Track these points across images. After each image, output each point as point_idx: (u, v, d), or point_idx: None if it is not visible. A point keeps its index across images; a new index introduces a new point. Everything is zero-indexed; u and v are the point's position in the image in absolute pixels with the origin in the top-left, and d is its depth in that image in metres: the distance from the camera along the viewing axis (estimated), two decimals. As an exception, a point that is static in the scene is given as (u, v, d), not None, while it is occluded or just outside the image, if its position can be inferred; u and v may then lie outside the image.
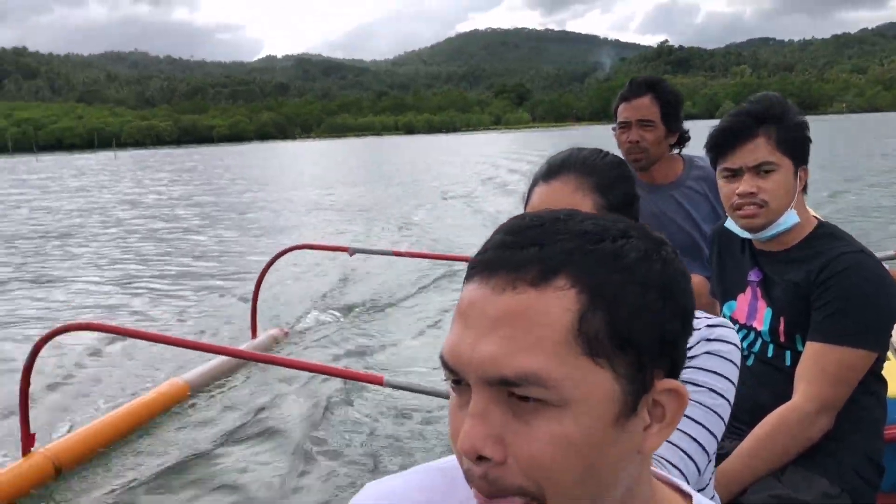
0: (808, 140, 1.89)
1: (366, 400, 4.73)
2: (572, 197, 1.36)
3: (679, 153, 2.86)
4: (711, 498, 1.34)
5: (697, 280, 2.46)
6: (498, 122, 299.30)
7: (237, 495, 3.65)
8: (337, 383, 4.90)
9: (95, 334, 5.97)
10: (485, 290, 0.65)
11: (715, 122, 1.97)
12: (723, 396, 1.28)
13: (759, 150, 1.83)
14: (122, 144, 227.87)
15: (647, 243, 0.67)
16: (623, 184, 1.42)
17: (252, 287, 6.09)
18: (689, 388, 1.24)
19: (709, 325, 1.33)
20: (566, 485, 0.63)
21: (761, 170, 1.84)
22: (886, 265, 2.11)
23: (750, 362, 1.96)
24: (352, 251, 5.92)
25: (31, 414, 3.76)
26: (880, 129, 60.19)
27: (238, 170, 44.59)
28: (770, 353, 1.92)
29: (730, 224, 1.96)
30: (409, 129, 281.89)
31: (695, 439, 1.24)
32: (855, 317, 1.76)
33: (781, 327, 1.88)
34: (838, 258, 1.81)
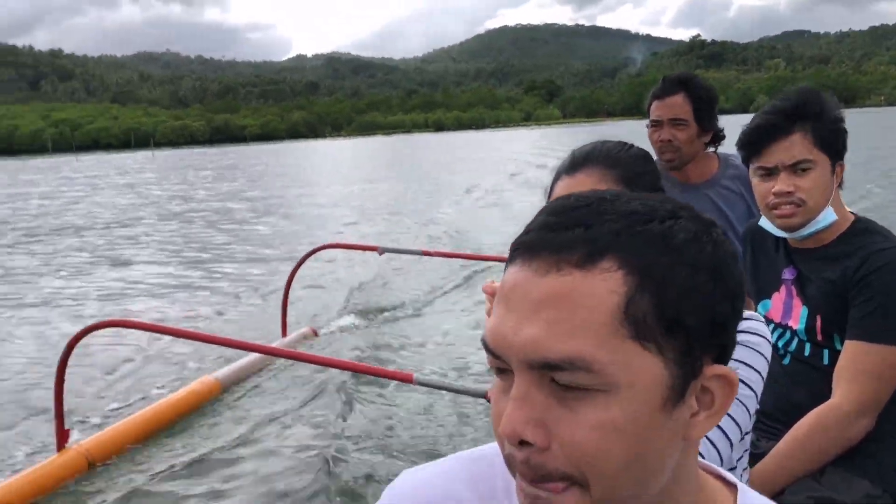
0: (845, 134, 1.84)
1: (396, 397, 4.73)
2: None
3: (714, 151, 2.82)
4: None
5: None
6: (528, 119, 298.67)
7: (269, 490, 3.66)
8: (367, 380, 4.91)
9: (128, 331, 6.04)
10: (527, 273, 0.63)
11: (748, 117, 1.93)
12: (750, 388, 1.27)
13: (795, 147, 1.78)
14: (157, 144, 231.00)
15: (697, 224, 0.66)
16: (648, 176, 1.40)
17: (283, 286, 6.12)
18: None
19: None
20: (610, 471, 0.62)
21: (798, 168, 1.79)
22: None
23: (786, 361, 1.93)
24: (381, 250, 5.92)
25: (66, 410, 3.81)
26: (919, 122, 58.94)
27: (280, 168, 44.98)
28: (807, 352, 1.89)
29: (764, 223, 1.92)
30: (439, 127, 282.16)
31: (718, 426, 1.22)
32: (896, 314, 1.71)
33: (818, 325, 1.85)
34: (877, 254, 1.77)
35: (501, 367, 0.65)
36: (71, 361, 3.78)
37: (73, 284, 9.57)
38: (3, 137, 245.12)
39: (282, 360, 5.27)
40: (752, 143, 1.85)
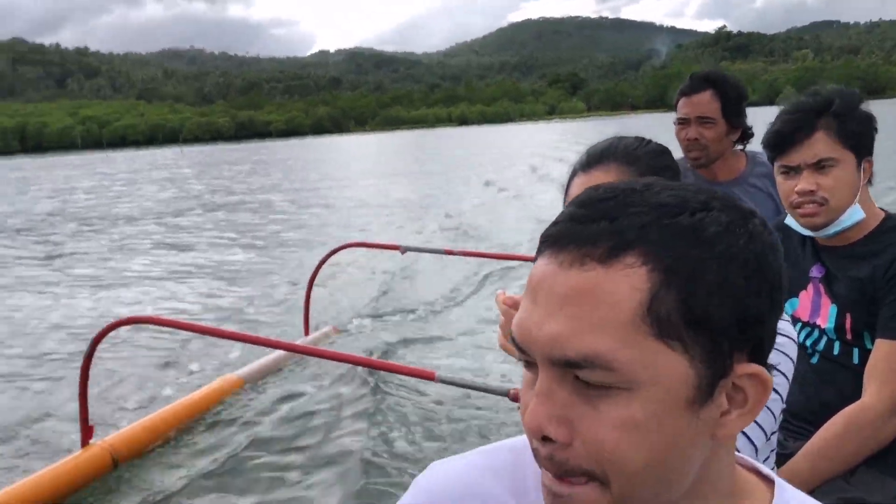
0: (873, 130, 1.81)
1: (418, 395, 4.73)
2: None
3: (743, 149, 2.79)
4: None
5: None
6: (552, 112, 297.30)
7: (293, 486, 3.67)
8: (389, 378, 4.91)
9: (152, 327, 6.09)
10: (553, 266, 0.62)
11: (775, 110, 1.90)
12: (775, 390, 1.24)
13: (817, 145, 1.76)
14: (184, 140, 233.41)
15: (731, 215, 0.63)
16: (666, 173, 1.36)
17: (305, 285, 6.14)
18: None
19: None
20: (632, 470, 0.61)
21: (821, 166, 1.77)
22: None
23: (814, 360, 1.89)
24: (403, 249, 5.89)
25: (90, 406, 3.83)
26: (951, 113, 57.92)
27: (313, 164, 45.21)
28: (836, 351, 1.86)
29: (790, 221, 1.89)
30: (463, 121, 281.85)
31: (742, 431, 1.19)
32: (928, 313, 1.68)
33: (848, 324, 1.82)
34: (908, 252, 1.73)
35: (528, 360, 0.64)
36: (95, 357, 3.81)
37: (110, 276, 9.73)
38: (33, 135, 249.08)
39: (304, 358, 5.28)
40: (777, 143, 1.83)
